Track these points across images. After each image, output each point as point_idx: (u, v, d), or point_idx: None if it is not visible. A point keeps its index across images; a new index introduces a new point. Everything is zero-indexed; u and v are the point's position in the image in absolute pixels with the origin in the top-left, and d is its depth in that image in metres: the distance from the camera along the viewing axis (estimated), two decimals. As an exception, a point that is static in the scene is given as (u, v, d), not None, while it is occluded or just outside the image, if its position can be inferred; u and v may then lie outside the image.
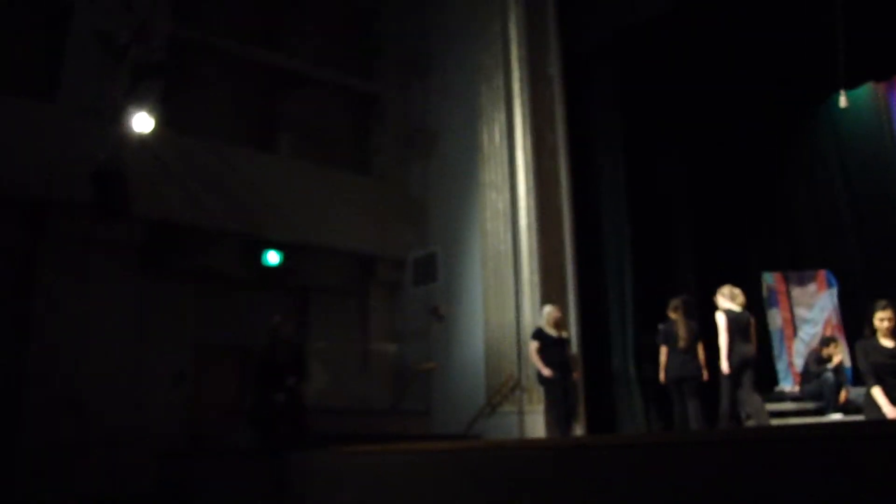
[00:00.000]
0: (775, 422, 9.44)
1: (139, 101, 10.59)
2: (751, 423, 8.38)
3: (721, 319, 8.47)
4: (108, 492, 9.26)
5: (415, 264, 13.09)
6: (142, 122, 10.50)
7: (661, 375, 9.11)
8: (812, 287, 11.39)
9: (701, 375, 8.87)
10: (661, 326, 9.23)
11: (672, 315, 9.10)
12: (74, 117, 10.56)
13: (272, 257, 12.06)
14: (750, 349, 8.46)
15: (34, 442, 9.43)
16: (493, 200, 11.89)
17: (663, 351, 9.08)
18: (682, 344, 8.88)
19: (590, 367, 10.98)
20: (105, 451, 9.68)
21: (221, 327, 11.57)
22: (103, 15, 11.01)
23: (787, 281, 11.51)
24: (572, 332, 10.75)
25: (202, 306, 11.63)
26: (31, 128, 10.27)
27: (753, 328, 8.63)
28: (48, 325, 10.12)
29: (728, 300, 8.61)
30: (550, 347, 9.72)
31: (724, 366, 8.36)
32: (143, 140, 10.62)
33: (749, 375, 8.38)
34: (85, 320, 10.27)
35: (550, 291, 11.01)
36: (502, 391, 10.91)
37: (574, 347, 10.55)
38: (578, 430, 10.31)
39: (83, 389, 9.91)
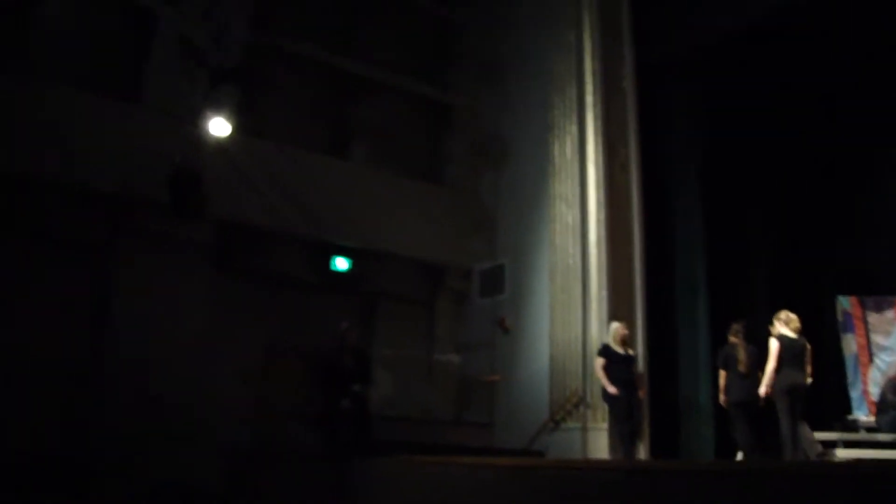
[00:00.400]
0: (847, 452, 9.22)
1: (217, 105, 10.84)
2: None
3: (773, 345, 8.45)
4: (179, 486, 9.45)
5: (482, 275, 13.08)
6: (219, 126, 10.75)
7: (721, 399, 9.06)
8: (890, 314, 11.01)
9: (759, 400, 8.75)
10: (720, 350, 9.21)
11: (732, 339, 9.06)
12: (155, 118, 10.86)
13: (341, 263, 12.21)
14: (800, 377, 8.38)
15: (109, 434, 9.67)
16: (563, 213, 11.83)
17: (722, 375, 9.08)
18: (742, 368, 8.90)
19: (656, 386, 10.85)
20: (176, 447, 9.87)
21: (289, 329, 11.70)
22: (186, 20, 11.30)
23: (863, 306, 11.16)
24: (639, 351, 10.62)
25: (271, 308, 11.79)
26: (113, 126, 10.58)
27: (809, 355, 8.51)
28: (123, 320, 10.39)
29: (783, 325, 8.57)
30: (616, 364, 9.63)
31: (762, 390, 8.41)
32: (219, 143, 10.85)
33: (798, 404, 8.27)
34: (157, 317, 10.49)
35: (618, 308, 10.91)
36: (566, 407, 10.85)
37: (640, 366, 10.42)
38: (642, 449, 10.19)
39: (155, 385, 10.14)
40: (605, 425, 10.33)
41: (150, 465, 9.54)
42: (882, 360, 10.87)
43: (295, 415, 10.62)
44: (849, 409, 10.73)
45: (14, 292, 9.81)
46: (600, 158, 11.66)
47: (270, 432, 10.85)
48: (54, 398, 9.72)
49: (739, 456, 8.96)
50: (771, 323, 8.71)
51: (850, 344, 11.08)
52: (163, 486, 9.31)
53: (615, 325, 10.03)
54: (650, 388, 10.61)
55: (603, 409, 10.25)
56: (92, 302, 10.44)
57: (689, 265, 11.78)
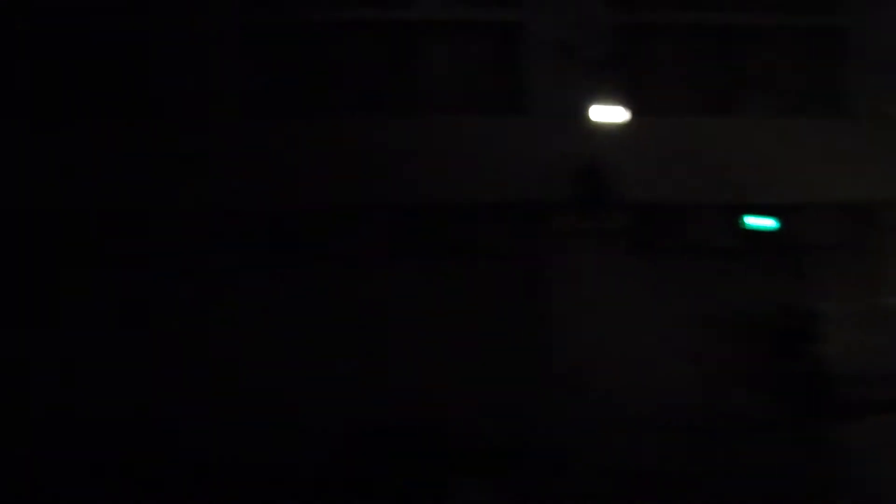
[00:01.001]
0: None
1: (601, 94, 11.13)
2: None
3: None
4: (644, 472, 9.66)
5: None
6: (607, 114, 11.15)
7: None
8: None
9: None
10: None
11: None
12: (545, 123, 11.48)
13: (760, 221, 11.80)
14: None
15: (567, 426, 10.23)
16: None
17: None
18: None
19: None
20: (620, 430, 10.12)
21: (718, 298, 11.50)
22: (551, 22, 11.70)
23: None
24: None
25: (695, 280, 11.70)
26: (508, 139, 11.43)
27: None
28: (560, 318, 11.16)
29: None
30: None
31: None
32: (612, 130, 11.12)
33: None
34: (588, 309, 11.07)
35: None
36: None
37: None
38: None
39: (595, 372, 10.57)
40: None
41: (603, 452, 9.88)
42: None
43: (741, 383, 10.38)
44: None
45: (456, 306, 11.04)
46: None
47: (718, 404, 10.70)
48: (504, 395, 10.64)
49: None
50: None
51: None
52: (628, 475, 9.54)
53: None
54: None
55: None
56: (528, 306, 11.21)
57: None
